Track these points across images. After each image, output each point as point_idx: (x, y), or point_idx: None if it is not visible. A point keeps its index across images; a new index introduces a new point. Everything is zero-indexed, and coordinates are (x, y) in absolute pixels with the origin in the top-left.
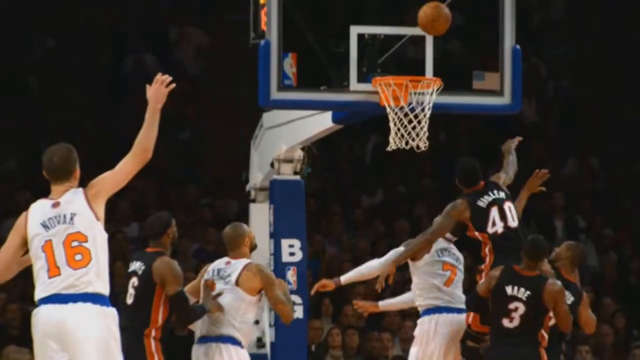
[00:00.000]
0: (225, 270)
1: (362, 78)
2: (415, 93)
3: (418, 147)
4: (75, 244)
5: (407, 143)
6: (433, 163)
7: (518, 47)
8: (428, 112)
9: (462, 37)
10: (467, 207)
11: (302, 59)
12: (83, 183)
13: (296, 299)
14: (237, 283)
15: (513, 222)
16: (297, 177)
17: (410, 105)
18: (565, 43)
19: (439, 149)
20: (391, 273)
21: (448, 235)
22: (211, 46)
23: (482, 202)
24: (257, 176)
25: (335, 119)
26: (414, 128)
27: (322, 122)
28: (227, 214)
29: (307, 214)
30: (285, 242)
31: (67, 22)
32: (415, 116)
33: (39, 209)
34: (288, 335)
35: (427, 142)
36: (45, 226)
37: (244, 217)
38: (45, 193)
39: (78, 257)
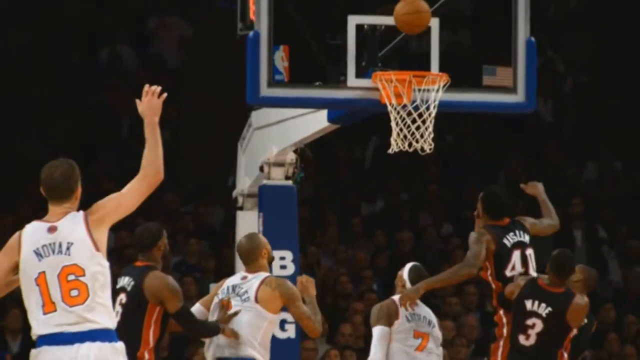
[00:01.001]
0: (242, 286)
1: (360, 73)
2: (419, 90)
3: (422, 149)
4: (71, 277)
5: (410, 145)
6: (439, 167)
7: (533, 39)
8: (434, 111)
9: (472, 28)
10: (493, 240)
11: (295, 52)
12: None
13: (287, 316)
14: (256, 300)
15: (533, 272)
16: (289, 183)
17: (414, 103)
18: (585, 34)
19: (445, 152)
20: (416, 298)
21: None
22: (194, 38)
23: (507, 241)
24: (244, 181)
25: (331, 119)
26: (418, 128)
27: (316, 122)
28: (211, 222)
29: (300, 223)
30: (275, 254)
31: (33, 10)
32: (420, 115)
33: (33, 233)
34: (278, 355)
35: (433, 144)
36: (38, 254)
37: (230, 226)
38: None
39: (74, 292)
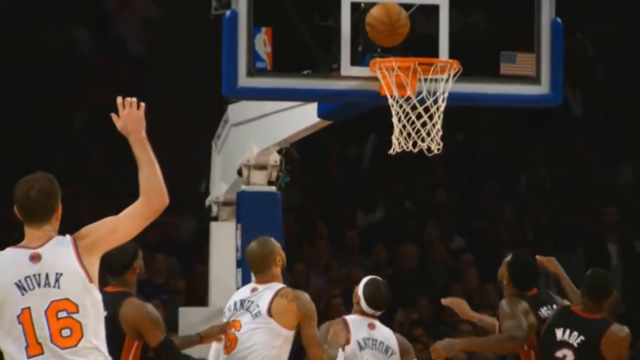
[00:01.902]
0: (251, 299)
1: (357, 60)
2: (426, 80)
3: (429, 149)
4: (62, 314)
5: (415, 145)
6: (448, 170)
7: (559, 20)
8: (443, 105)
9: (487, 7)
10: (530, 310)
11: (280, 35)
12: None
13: None
14: (269, 313)
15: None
16: (273, 188)
17: (420, 95)
18: (619, 16)
19: (456, 152)
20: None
21: (369, 310)
22: (160, 18)
23: (542, 313)
24: (220, 187)
25: (322, 113)
26: (424, 125)
27: (305, 117)
28: (181, 235)
29: (286, 235)
30: None
31: None
32: (426, 110)
33: (12, 263)
34: None
35: (441, 144)
36: (21, 288)
37: (203, 239)
38: None
39: (66, 332)
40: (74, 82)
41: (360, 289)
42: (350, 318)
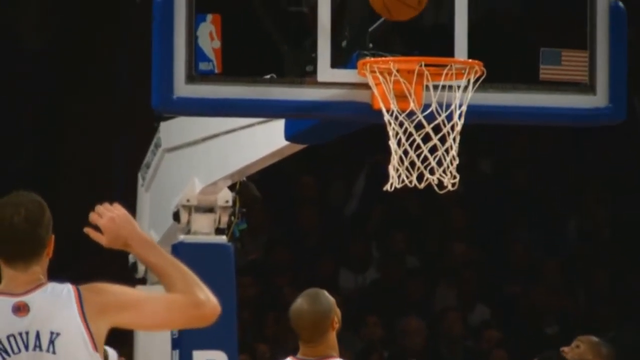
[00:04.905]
0: None
1: (340, 60)
2: (436, 88)
3: (441, 185)
4: None
5: (421, 178)
6: (468, 214)
7: (621, 4)
8: (460, 122)
9: None
10: None
11: (232, 26)
12: None
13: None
14: None
15: None
16: (223, 239)
17: (428, 109)
18: None
19: (478, 189)
20: None
21: None
22: (68, 3)
23: None
24: (149, 236)
25: (291, 134)
26: (433, 151)
27: (267, 140)
28: None
29: (241, 304)
30: (200, 356)
31: None
32: (437, 129)
33: None
34: None
35: (457, 177)
36: (2, 350)
37: None
38: None
39: None
40: None
41: None
42: None
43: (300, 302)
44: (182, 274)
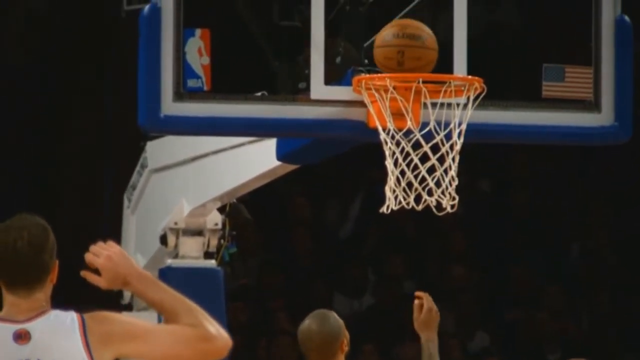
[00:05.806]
0: None
1: (334, 76)
2: (434, 105)
3: (440, 206)
4: None
5: (419, 200)
6: (467, 236)
7: (627, 18)
8: (459, 142)
9: (521, 1)
10: None
11: (222, 41)
12: None
13: None
14: None
15: None
16: (212, 263)
17: (426, 127)
18: None
19: (478, 210)
20: None
21: None
22: (49, 15)
23: None
24: (135, 260)
25: (283, 154)
26: (432, 171)
27: (259, 160)
28: None
29: (233, 330)
30: None
31: None
32: (435, 149)
33: None
34: None
35: (457, 198)
36: None
37: None
38: None
39: None
40: None
41: None
42: None
43: (308, 323)
44: (188, 307)
